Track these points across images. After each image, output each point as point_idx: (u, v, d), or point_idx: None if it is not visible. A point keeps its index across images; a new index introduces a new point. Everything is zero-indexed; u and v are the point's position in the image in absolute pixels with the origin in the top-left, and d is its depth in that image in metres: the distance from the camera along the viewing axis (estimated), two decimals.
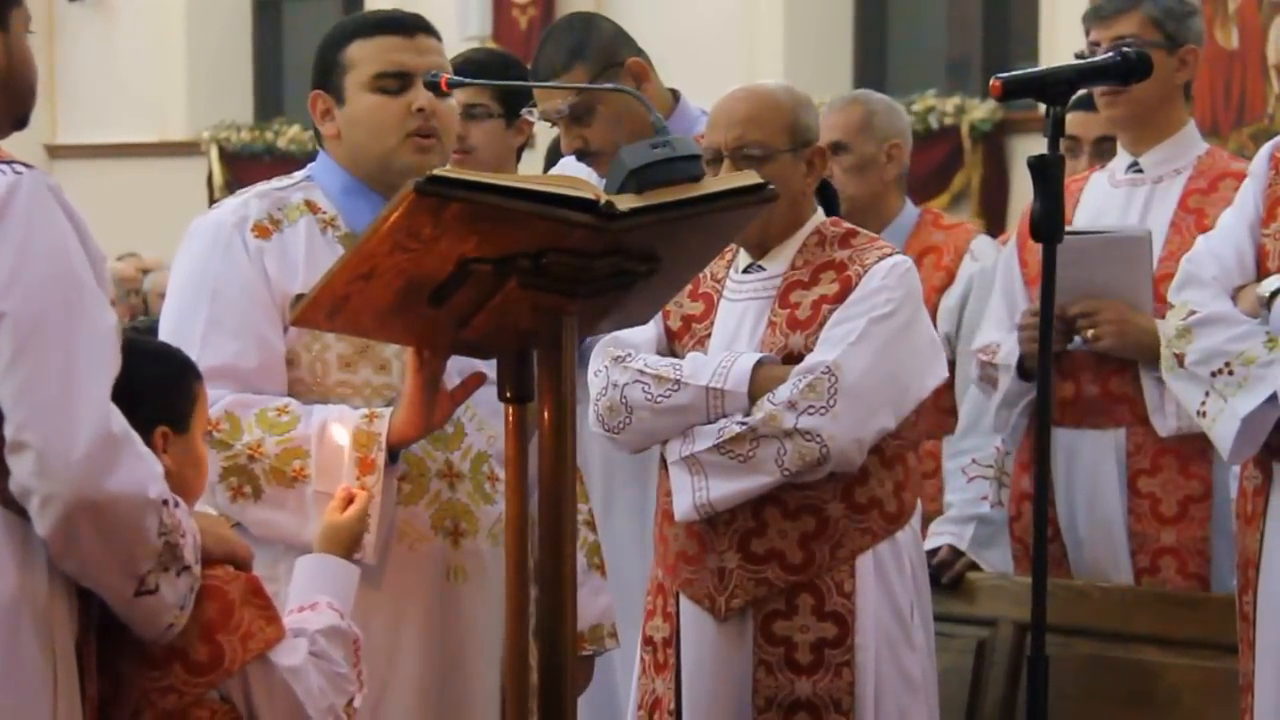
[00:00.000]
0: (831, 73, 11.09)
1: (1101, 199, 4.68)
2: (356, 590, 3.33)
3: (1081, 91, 4.50)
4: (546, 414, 3.18)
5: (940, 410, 4.73)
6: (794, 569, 3.97)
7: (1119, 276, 4.45)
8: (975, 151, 10.83)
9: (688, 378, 3.96)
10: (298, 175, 3.79)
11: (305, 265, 3.62)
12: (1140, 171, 4.65)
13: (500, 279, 3.15)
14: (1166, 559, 4.52)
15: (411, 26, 3.72)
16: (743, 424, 3.90)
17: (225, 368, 3.54)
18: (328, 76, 3.73)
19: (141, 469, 2.80)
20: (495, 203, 3.04)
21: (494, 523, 3.64)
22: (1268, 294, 3.86)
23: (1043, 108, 3.79)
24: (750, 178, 3.38)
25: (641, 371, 3.99)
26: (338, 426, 3.49)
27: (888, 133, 5.06)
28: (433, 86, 3.64)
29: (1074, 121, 5.05)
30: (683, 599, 4.06)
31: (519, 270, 3.13)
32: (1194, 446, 4.43)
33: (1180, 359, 3.95)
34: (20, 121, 2.99)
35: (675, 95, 4.78)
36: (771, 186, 3.37)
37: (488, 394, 3.42)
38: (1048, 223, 3.71)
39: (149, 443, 2.90)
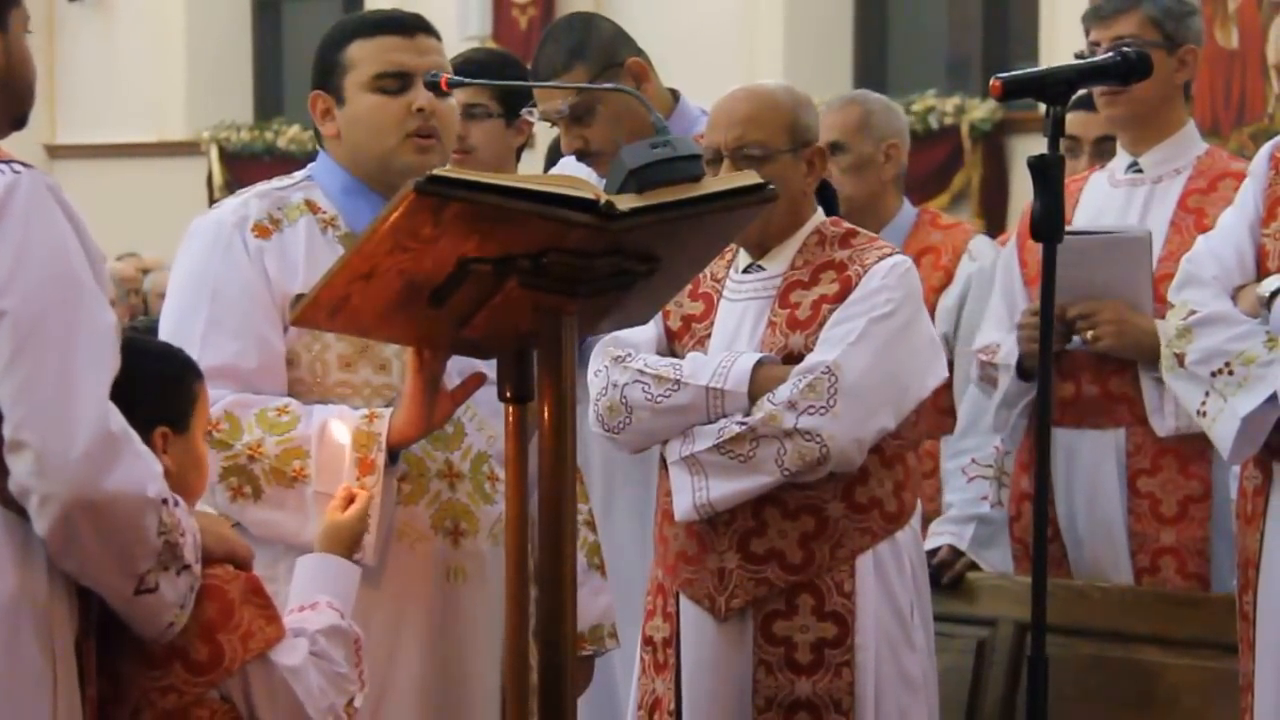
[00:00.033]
0: (831, 73, 11.09)
1: (1101, 199, 4.68)
2: (357, 590, 3.33)
3: (1081, 91, 4.50)
4: (546, 414, 3.18)
5: (938, 410, 4.73)
6: (794, 569, 3.97)
7: (1119, 277, 4.45)
8: (975, 151, 10.83)
9: (688, 378, 3.96)
10: (298, 175, 3.79)
11: (305, 265, 3.62)
12: (1140, 171, 4.65)
13: (500, 279, 3.15)
14: (1166, 559, 4.52)
15: (411, 26, 3.72)
16: (743, 424, 3.90)
17: (225, 368, 3.54)
18: (328, 76, 3.72)
19: (140, 468, 2.80)
20: (495, 203, 3.04)
21: (494, 523, 3.64)
22: (1268, 294, 3.86)
23: (1043, 108, 3.79)
24: (750, 178, 3.38)
25: (641, 371, 3.99)
26: (338, 424, 3.49)
27: (885, 132, 5.06)
28: (433, 86, 3.64)
29: (1074, 121, 5.05)
30: (683, 599, 4.06)
31: (519, 270, 3.13)
32: (1194, 446, 4.43)
33: (1180, 359, 3.95)
34: (19, 121, 2.99)
35: (675, 95, 4.78)
36: (771, 186, 3.37)
37: (488, 394, 3.42)
38: (1048, 223, 3.71)
39: (148, 443, 2.89)
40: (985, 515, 4.69)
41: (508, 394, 3.28)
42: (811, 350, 3.94)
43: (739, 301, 4.08)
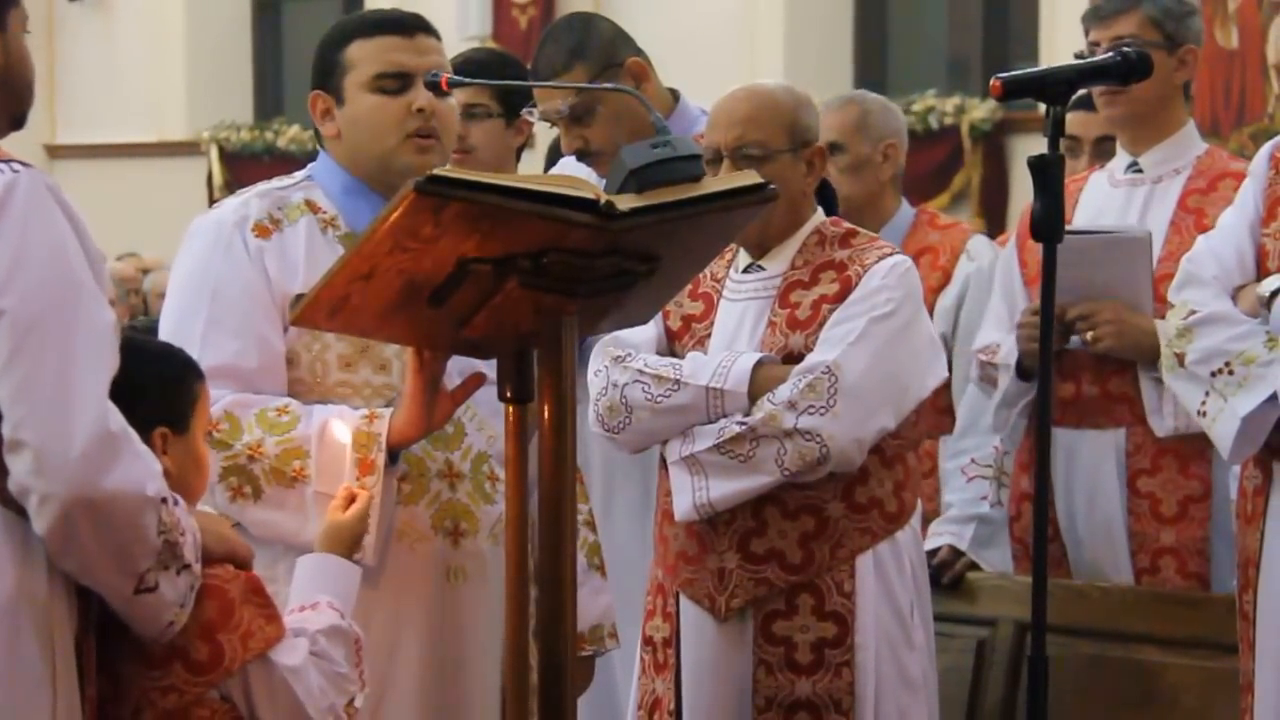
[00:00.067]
0: (831, 73, 11.09)
1: (1101, 199, 4.68)
2: (357, 590, 3.33)
3: (1081, 91, 4.50)
4: (546, 414, 3.18)
5: (937, 410, 4.73)
6: (794, 569, 3.97)
7: (1119, 277, 4.45)
8: (975, 151, 10.82)
9: (688, 378, 3.96)
10: (298, 175, 3.79)
11: (305, 265, 3.62)
12: (1139, 171, 4.65)
13: (500, 279, 3.15)
14: (1166, 559, 4.52)
15: (411, 26, 3.72)
16: (743, 424, 3.90)
17: (225, 367, 3.53)
18: (327, 77, 3.72)
19: (139, 467, 2.80)
20: (495, 203, 3.03)
21: (494, 523, 3.64)
22: (1268, 294, 3.86)
23: (1043, 108, 3.79)
24: (750, 178, 3.37)
25: (641, 371, 3.99)
26: (339, 424, 3.49)
27: (883, 133, 5.06)
28: (433, 86, 3.64)
29: (1074, 121, 5.05)
30: (683, 599, 4.06)
31: (519, 270, 3.13)
32: (1194, 446, 4.43)
33: (1180, 358, 3.95)
34: (18, 121, 2.99)
35: (675, 95, 4.78)
36: (772, 186, 3.37)
37: (488, 394, 3.41)
38: (1048, 223, 3.71)
39: (148, 444, 2.89)
40: (985, 515, 4.69)
41: (508, 394, 3.27)
42: (811, 350, 3.94)
43: (739, 301, 4.08)
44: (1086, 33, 4.61)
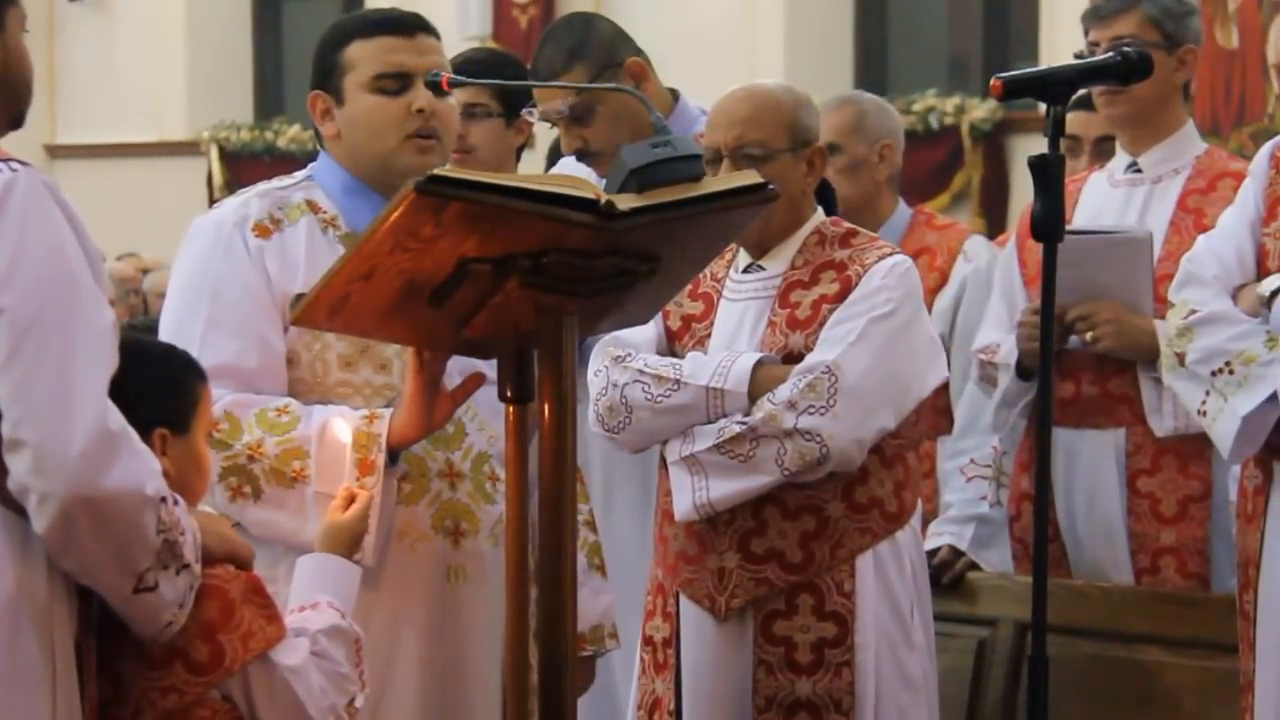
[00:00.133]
0: (831, 73, 11.08)
1: (1100, 199, 4.68)
2: (357, 590, 3.33)
3: (1081, 91, 4.50)
4: (546, 414, 3.18)
5: (935, 410, 4.73)
6: (794, 569, 3.97)
7: (1119, 277, 4.45)
8: (975, 151, 10.82)
9: (688, 377, 3.96)
10: (298, 175, 3.79)
11: (306, 265, 3.62)
12: (1139, 171, 4.65)
13: (500, 279, 3.15)
14: (1166, 559, 4.52)
15: (411, 26, 3.72)
16: (743, 424, 3.90)
17: (225, 367, 3.53)
18: (327, 77, 3.72)
19: (139, 466, 2.80)
20: (495, 203, 3.04)
21: (495, 523, 3.64)
22: (1268, 293, 3.86)
23: (1043, 108, 3.79)
24: (750, 177, 3.37)
25: (641, 371, 3.99)
26: (339, 423, 3.49)
27: (879, 133, 5.06)
28: (433, 86, 3.64)
29: (1074, 121, 5.05)
30: (683, 599, 4.06)
31: (519, 270, 3.13)
32: (1193, 446, 4.44)
33: (1181, 358, 3.95)
34: (16, 120, 2.99)
35: (675, 95, 4.77)
36: (772, 186, 3.37)
37: (488, 394, 3.41)
38: (1048, 223, 3.71)
39: (147, 444, 2.89)
40: (985, 515, 4.69)
41: (508, 394, 3.27)
42: (811, 350, 3.94)
43: (739, 301, 4.08)
44: (1086, 33, 4.61)
